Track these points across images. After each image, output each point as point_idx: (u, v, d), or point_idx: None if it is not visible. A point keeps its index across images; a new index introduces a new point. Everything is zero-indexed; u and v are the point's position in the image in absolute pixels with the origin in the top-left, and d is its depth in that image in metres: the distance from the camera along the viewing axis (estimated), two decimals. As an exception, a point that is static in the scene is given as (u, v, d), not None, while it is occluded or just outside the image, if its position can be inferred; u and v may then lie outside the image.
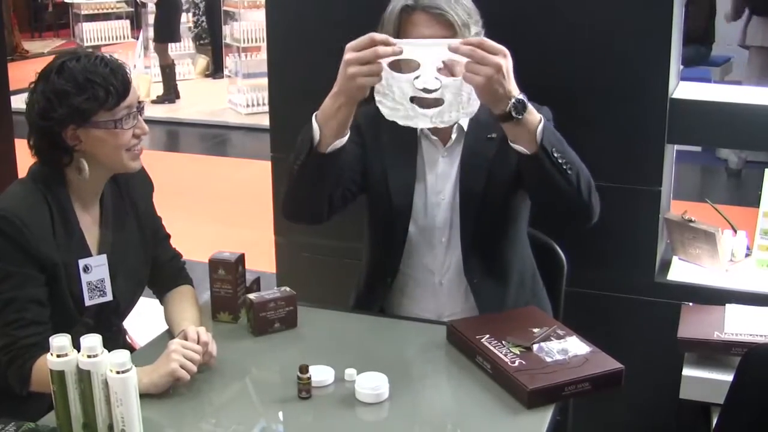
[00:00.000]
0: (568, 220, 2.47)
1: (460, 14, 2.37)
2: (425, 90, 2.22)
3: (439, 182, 2.57)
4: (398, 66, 2.24)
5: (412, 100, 2.24)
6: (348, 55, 2.15)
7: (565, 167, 2.24)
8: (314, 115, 2.26)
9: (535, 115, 2.20)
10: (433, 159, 2.57)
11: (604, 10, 2.92)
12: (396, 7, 2.41)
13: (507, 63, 2.14)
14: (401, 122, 2.27)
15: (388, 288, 2.64)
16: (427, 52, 2.21)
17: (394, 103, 2.24)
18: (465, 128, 2.53)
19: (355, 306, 2.73)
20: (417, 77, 2.21)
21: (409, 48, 2.19)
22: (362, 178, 2.57)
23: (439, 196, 2.57)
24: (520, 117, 2.17)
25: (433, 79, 2.21)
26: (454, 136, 2.54)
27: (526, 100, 2.17)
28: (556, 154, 2.21)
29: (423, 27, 2.38)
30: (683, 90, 3.09)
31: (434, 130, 2.54)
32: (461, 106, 2.24)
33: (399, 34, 2.38)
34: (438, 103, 2.25)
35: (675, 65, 3.02)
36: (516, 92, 2.16)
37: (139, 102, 2.31)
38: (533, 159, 2.22)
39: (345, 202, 2.53)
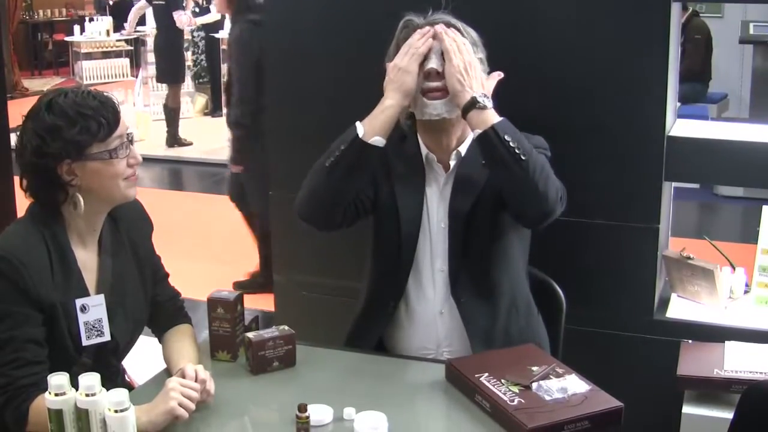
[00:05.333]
0: (524, 210, 2.50)
1: (468, 31, 2.58)
2: (430, 72, 2.52)
3: (441, 209, 2.61)
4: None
5: (423, 93, 2.53)
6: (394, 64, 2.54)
7: (517, 152, 2.37)
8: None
9: (494, 115, 2.43)
10: (437, 185, 2.63)
11: (601, 49, 2.94)
12: (404, 25, 2.61)
13: (463, 61, 2.47)
14: (418, 115, 2.58)
15: (389, 316, 2.65)
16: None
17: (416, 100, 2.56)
18: (463, 154, 2.60)
19: (350, 336, 2.73)
20: (426, 65, 2.53)
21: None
22: (374, 199, 2.64)
23: (440, 223, 2.61)
24: (474, 109, 2.43)
25: (437, 60, 2.52)
26: (452, 162, 2.60)
27: (485, 101, 2.43)
28: (507, 138, 2.38)
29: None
30: (680, 127, 3.10)
31: (439, 156, 2.62)
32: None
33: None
34: (440, 89, 2.51)
35: (672, 103, 3.03)
36: (477, 90, 2.44)
37: (128, 133, 2.32)
38: (484, 136, 2.40)
39: (356, 215, 2.63)
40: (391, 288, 2.66)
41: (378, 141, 2.47)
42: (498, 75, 2.60)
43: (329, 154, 2.50)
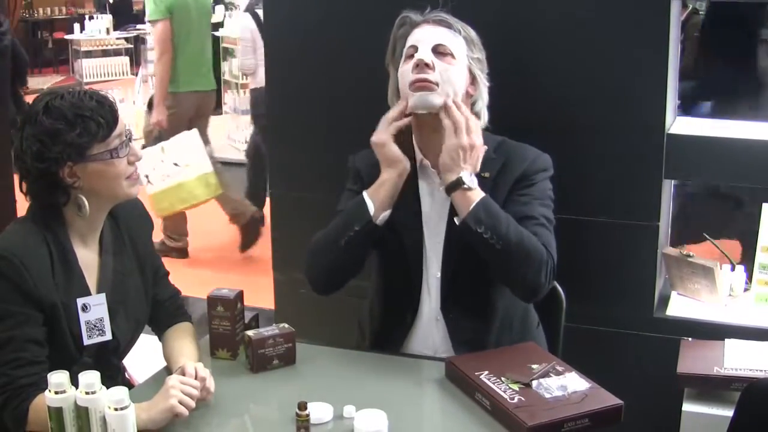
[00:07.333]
0: (509, 286, 2.52)
1: (467, 29, 2.54)
2: (419, 64, 2.45)
3: (439, 217, 2.58)
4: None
5: (411, 87, 2.47)
6: (376, 137, 2.51)
7: (491, 242, 2.37)
8: (363, 192, 2.50)
9: (477, 194, 2.41)
10: (431, 194, 2.59)
11: (601, 48, 2.94)
12: (401, 22, 2.58)
13: (464, 145, 2.41)
14: (408, 109, 2.50)
15: (407, 329, 2.63)
16: (425, 35, 2.49)
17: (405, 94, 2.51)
18: None
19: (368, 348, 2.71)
20: (415, 56, 2.47)
21: (412, 38, 2.51)
22: None
23: (437, 231, 2.58)
24: (458, 189, 2.41)
25: (428, 53, 2.46)
26: None
27: (468, 181, 2.40)
28: (479, 230, 2.37)
29: (428, 30, 2.53)
30: (680, 125, 3.10)
31: (433, 161, 2.56)
32: (448, 93, 2.46)
33: (405, 45, 2.56)
34: (428, 81, 2.45)
35: (672, 101, 3.03)
36: (466, 172, 2.41)
37: (127, 130, 2.32)
38: (459, 226, 2.42)
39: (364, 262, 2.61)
40: (405, 303, 2.63)
41: (386, 216, 2.49)
42: (483, 148, 2.49)
43: (343, 233, 2.48)
